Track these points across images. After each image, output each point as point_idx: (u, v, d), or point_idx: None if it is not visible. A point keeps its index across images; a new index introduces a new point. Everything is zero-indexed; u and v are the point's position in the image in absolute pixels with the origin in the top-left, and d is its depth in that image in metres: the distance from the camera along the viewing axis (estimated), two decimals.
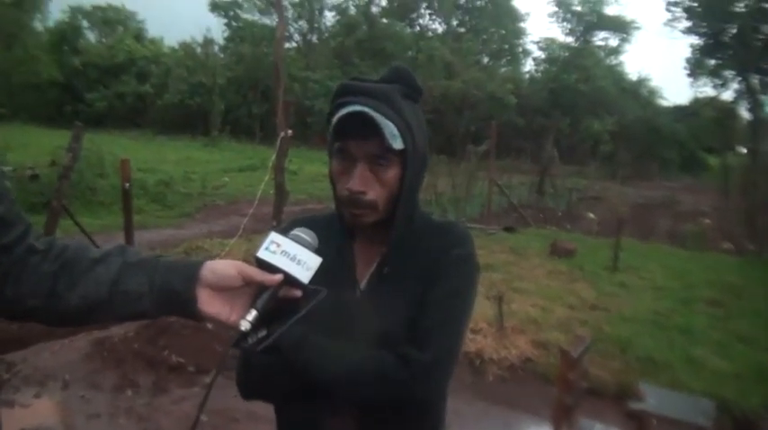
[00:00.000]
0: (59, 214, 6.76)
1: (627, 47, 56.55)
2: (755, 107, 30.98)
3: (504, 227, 12.33)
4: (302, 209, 13.04)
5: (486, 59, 47.57)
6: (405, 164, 1.26)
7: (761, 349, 5.79)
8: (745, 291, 8.15)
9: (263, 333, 1.04)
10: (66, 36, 42.30)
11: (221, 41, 44.43)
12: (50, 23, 42.82)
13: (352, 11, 45.44)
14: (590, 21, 46.09)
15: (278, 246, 1.06)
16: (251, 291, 1.06)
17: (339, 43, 43.21)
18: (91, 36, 46.88)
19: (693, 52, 36.29)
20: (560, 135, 30.41)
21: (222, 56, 42.43)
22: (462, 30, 47.16)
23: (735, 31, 30.75)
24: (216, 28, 58.79)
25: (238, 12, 45.36)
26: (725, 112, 39.00)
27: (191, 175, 17.51)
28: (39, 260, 1.03)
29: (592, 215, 15.96)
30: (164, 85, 39.10)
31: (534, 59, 49.60)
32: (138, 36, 46.06)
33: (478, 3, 47.18)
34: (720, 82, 35.96)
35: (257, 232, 8.93)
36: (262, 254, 1.05)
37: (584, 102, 40.35)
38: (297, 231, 1.10)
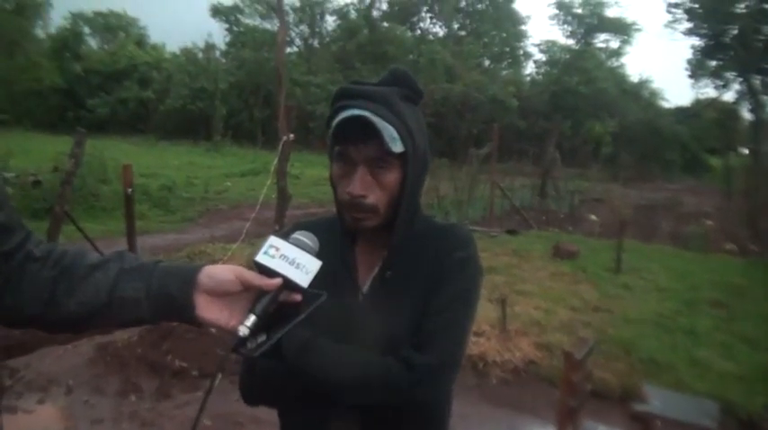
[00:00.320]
0: (62, 220, 6.76)
1: (628, 49, 56.37)
2: (757, 108, 30.90)
3: (507, 229, 12.32)
4: (304, 213, 13.04)
5: (487, 62, 47.54)
6: (405, 167, 1.25)
7: (765, 350, 5.78)
8: (749, 292, 8.13)
9: (262, 338, 1.03)
10: (67, 42, 42.33)
11: (223, 46, 44.54)
12: (52, 30, 43.00)
13: (353, 15, 45.49)
14: (591, 23, 46.06)
15: (277, 250, 1.05)
16: (250, 295, 1.05)
17: (340, 47, 43.23)
18: (92, 42, 47.03)
19: (694, 53, 36.26)
20: (562, 137, 30.42)
21: (224, 61, 42.44)
22: (463, 33, 47.15)
23: (736, 32, 30.69)
24: (217, 33, 58.88)
25: (239, 17, 45.42)
26: (726, 113, 38.95)
27: (193, 180, 17.55)
28: (38, 267, 1.02)
29: (594, 217, 15.95)
30: (165, 90, 39.14)
31: (535, 62, 49.64)
32: (140, 42, 46.12)
33: (479, 6, 47.18)
34: (722, 83, 35.87)
35: (260, 236, 8.92)
36: (260, 258, 1.04)
37: (585, 104, 40.32)
38: (297, 235, 1.10)
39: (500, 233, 11.77)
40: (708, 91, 39.08)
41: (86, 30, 46.65)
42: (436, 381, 1.22)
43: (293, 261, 1.04)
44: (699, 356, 5.54)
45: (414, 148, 1.25)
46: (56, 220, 6.70)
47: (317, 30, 47.63)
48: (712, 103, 39.75)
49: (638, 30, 48.77)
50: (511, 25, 47.74)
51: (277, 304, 1.04)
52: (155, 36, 63.95)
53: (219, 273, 1.04)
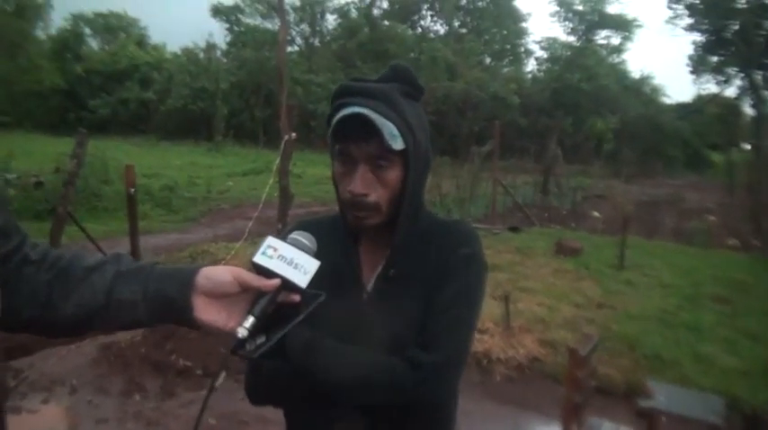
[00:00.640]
0: (65, 221, 6.77)
1: (629, 45, 56.38)
2: (759, 103, 30.87)
3: (509, 226, 12.32)
4: (307, 211, 13.04)
5: (488, 60, 47.47)
6: (407, 164, 1.24)
7: None
8: (752, 287, 8.12)
9: (261, 339, 1.03)
10: (68, 43, 42.38)
11: (224, 46, 44.50)
12: (52, 31, 42.98)
13: (354, 13, 45.46)
14: (592, 20, 45.97)
15: (275, 250, 1.04)
16: (248, 297, 1.04)
17: (341, 46, 43.20)
18: (93, 43, 47.03)
19: (696, 49, 36.23)
20: (564, 134, 30.37)
21: (225, 60, 42.40)
22: (464, 31, 47.09)
23: (737, 27, 30.66)
24: (218, 33, 58.84)
25: (240, 16, 45.38)
26: (728, 109, 38.95)
27: (195, 180, 17.55)
28: (34, 270, 1.02)
29: (596, 213, 15.94)
30: (167, 90, 39.13)
31: (536, 59, 49.55)
32: (141, 42, 46.12)
33: (480, 3, 47.10)
34: (723, 78, 35.85)
35: (263, 235, 8.87)
36: (258, 259, 1.03)
37: (587, 101, 40.25)
38: (295, 235, 1.09)
39: (502, 230, 11.77)
40: (709, 87, 39.11)
41: (87, 30, 46.69)
42: (442, 380, 1.21)
43: (291, 261, 1.03)
44: (703, 352, 5.54)
45: (415, 145, 1.24)
46: (59, 221, 6.70)
47: (318, 28, 47.61)
48: (714, 99, 39.71)
49: (639, 26, 48.76)
50: (512, 22, 47.66)
51: (276, 305, 1.03)
52: (155, 36, 63.97)
53: (217, 274, 1.04)
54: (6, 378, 4.43)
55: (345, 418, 1.26)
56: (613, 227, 12.67)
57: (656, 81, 59.87)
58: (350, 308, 1.28)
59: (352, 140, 1.22)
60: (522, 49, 49.57)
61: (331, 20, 47.41)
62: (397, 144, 1.20)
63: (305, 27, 46.99)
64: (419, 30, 47.17)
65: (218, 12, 44.98)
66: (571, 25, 47.21)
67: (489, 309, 5.76)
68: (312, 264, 1.05)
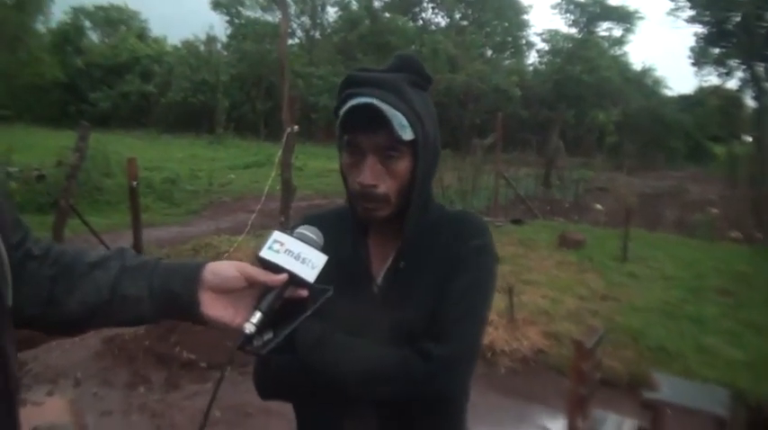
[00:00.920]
0: (68, 214, 6.78)
1: (631, 37, 56.21)
2: (761, 95, 30.73)
3: (512, 219, 12.31)
4: (309, 204, 13.03)
5: (489, 52, 47.38)
6: (416, 154, 1.23)
7: None
8: (755, 280, 8.11)
9: (268, 335, 1.01)
10: (68, 37, 42.21)
11: (224, 39, 44.39)
12: (53, 24, 42.83)
13: (355, 6, 45.28)
14: (593, 11, 45.92)
15: (281, 244, 1.03)
16: (255, 292, 1.03)
17: (342, 38, 43.11)
18: (93, 36, 46.86)
19: (697, 41, 36.07)
20: (565, 126, 30.32)
21: (225, 53, 42.33)
22: (465, 23, 46.99)
23: (738, 19, 30.51)
24: (218, 25, 58.79)
25: (240, 9, 45.24)
26: (730, 101, 38.91)
27: (197, 173, 17.54)
28: (36, 265, 1.00)
29: (599, 206, 15.92)
30: (167, 83, 39.04)
31: (538, 51, 49.49)
32: (141, 35, 45.96)
33: None
34: (725, 70, 35.72)
35: (265, 228, 8.93)
36: (264, 253, 1.02)
37: (588, 93, 40.18)
38: (301, 229, 1.08)
39: (505, 223, 11.76)
40: (711, 78, 38.98)
41: (87, 23, 46.54)
42: (454, 373, 1.20)
43: (298, 256, 1.02)
44: (706, 344, 5.55)
45: (424, 136, 1.23)
46: (61, 214, 6.71)
47: (319, 21, 47.50)
48: (715, 91, 39.64)
49: (641, 18, 48.74)
50: (513, 15, 47.55)
51: (283, 300, 1.02)
52: (156, 29, 63.95)
53: (223, 269, 1.02)
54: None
55: (356, 412, 1.25)
56: (616, 219, 12.65)
57: (658, 73, 59.74)
58: (360, 301, 1.27)
59: (361, 131, 1.20)
60: (524, 42, 49.53)
61: (332, 12, 47.34)
62: (407, 134, 1.18)
63: (305, 19, 46.88)
64: (420, 22, 47.09)
65: (218, 4, 44.85)
66: (572, 17, 47.21)
67: (493, 302, 5.75)
68: (320, 259, 1.04)
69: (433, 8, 47.79)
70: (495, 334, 5.33)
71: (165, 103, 38.75)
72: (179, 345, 4.97)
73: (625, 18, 46.25)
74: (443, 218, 1.35)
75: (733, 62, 34.19)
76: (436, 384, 1.17)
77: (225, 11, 45.07)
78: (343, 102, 1.22)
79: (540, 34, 48.99)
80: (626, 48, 57.38)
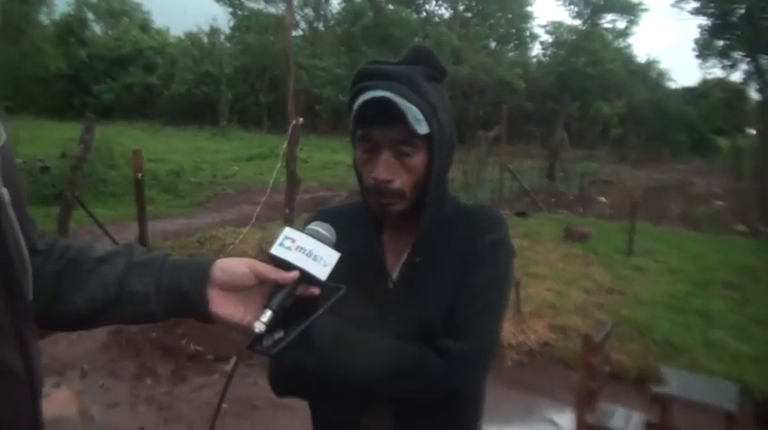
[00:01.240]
0: (73, 205, 6.77)
1: (635, 29, 55.98)
2: (765, 88, 30.52)
3: (517, 212, 12.29)
4: (313, 197, 13.04)
5: (493, 44, 47.20)
6: (431, 148, 1.21)
7: None
8: (762, 273, 8.09)
9: (279, 334, 0.98)
10: (72, 28, 42.12)
11: (227, 30, 44.26)
12: (56, 16, 42.74)
13: None
14: (597, 3, 45.68)
15: (293, 241, 1.00)
16: (265, 290, 1.00)
17: (345, 30, 42.97)
18: (97, 28, 46.80)
19: (702, 33, 35.86)
20: (570, 119, 30.24)
21: (228, 45, 42.25)
22: (469, 14, 46.78)
23: (743, 11, 30.34)
24: (222, 17, 58.56)
25: (243, 0, 45.14)
26: (734, 94, 38.72)
27: (201, 165, 17.56)
28: (41, 261, 0.97)
29: (603, 199, 15.90)
30: (170, 75, 38.99)
31: (542, 43, 49.26)
32: (144, 27, 45.89)
33: None
34: (729, 63, 35.51)
35: (270, 220, 8.94)
36: (276, 250, 1.00)
37: (593, 85, 40.04)
38: (313, 225, 1.05)
39: (510, 216, 11.73)
40: (715, 71, 38.73)
41: (90, 15, 46.44)
42: (472, 370, 1.19)
43: (310, 253, 0.99)
44: (713, 338, 5.54)
45: (439, 129, 1.21)
46: (66, 206, 6.71)
47: (322, 13, 47.33)
48: (720, 84, 39.46)
49: (645, 9, 48.30)
50: (517, 6, 47.35)
51: (294, 298, 0.99)
52: (159, 21, 63.59)
53: (233, 266, 1.00)
54: None
55: (372, 408, 1.23)
56: (621, 212, 12.65)
57: (662, 65, 59.59)
58: (375, 296, 1.25)
59: (375, 125, 1.18)
60: (528, 34, 49.34)
61: (335, 4, 47.10)
62: (422, 128, 1.16)
63: (309, 11, 46.74)
64: (424, 14, 46.92)
65: None
66: (576, 9, 46.98)
67: None
68: (332, 256, 1.01)
69: (436, 0, 47.65)
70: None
71: (169, 94, 38.71)
72: (186, 338, 4.98)
73: (629, 10, 46.03)
74: (459, 211, 1.33)
75: (737, 54, 34.01)
76: (454, 381, 1.16)
77: (228, 2, 44.88)
78: (357, 95, 1.20)
79: (544, 26, 48.95)
80: (630, 40, 56.87)
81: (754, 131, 33.53)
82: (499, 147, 13.54)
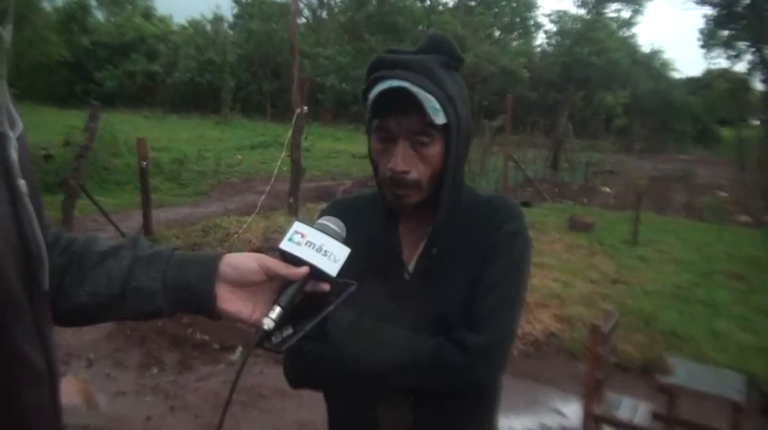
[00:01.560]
0: (77, 193, 6.77)
1: (639, 18, 55.76)
2: None
3: (521, 201, 12.25)
4: (317, 185, 13.03)
5: (497, 33, 47.02)
6: (448, 138, 1.19)
7: None
8: (766, 264, 8.07)
9: (288, 331, 0.96)
10: (74, 15, 41.99)
11: (230, 18, 44.15)
12: (58, 3, 42.64)
13: None
14: None
15: (302, 236, 0.98)
16: (274, 286, 0.98)
17: (349, 18, 42.79)
18: (99, 15, 46.70)
19: (707, 23, 35.78)
20: (574, 108, 30.15)
21: (232, 33, 42.15)
22: (473, 3, 46.53)
23: (748, 1, 30.20)
24: (225, 4, 58.42)
25: None
26: (738, 84, 38.54)
27: (204, 154, 17.54)
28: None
29: (607, 189, 15.87)
30: (173, 63, 38.93)
31: (546, 32, 49.11)
32: (147, 14, 45.77)
33: None
34: (734, 53, 35.43)
35: (274, 209, 8.93)
36: (285, 245, 0.97)
37: (597, 75, 39.89)
38: (323, 220, 1.03)
39: None
40: (720, 61, 38.70)
41: (93, 2, 46.27)
42: (492, 361, 1.18)
43: (320, 248, 0.97)
44: (719, 328, 5.54)
45: (457, 119, 1.19)
46: (71, 194, 6.71)
47: (326, 0, 47.15)
48: (724, 74, 39.29)
49: None
50: None
51: (303, 295, 0.98)
52: (162, 8, 63.44)
53: (242, 262, 0.98)
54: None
55: (389, 400, 1.22)
56: (625, 202, 12.63)
57: (667, 55, 59.36)
58: (391, 288, 1.24)
59: (392, 115, 1.16)
60: (532, 23, 49.12)
61: None
62: (440, 118, 1.15)
63: None
64: (428, 2, 46.62)
65: None
66: None
67: None
68: (342, 252, 0.99)
69: None
70: None
71: (171, 82, 38.68)
72: (192, 327, 4.98)
73: None
74: (475, 202, 1.32)
75: (742, 45, 33.90)
76: (472, 374, 1.15)
77: None
78: (373, 85, 1.17)
79: (549, 15, 48.84)
80: (634, 29, 56.82)
81: (758, 122, 33.48)
82: (503, 136, 13.51)
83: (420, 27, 39.73)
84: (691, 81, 44.49)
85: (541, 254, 7.71)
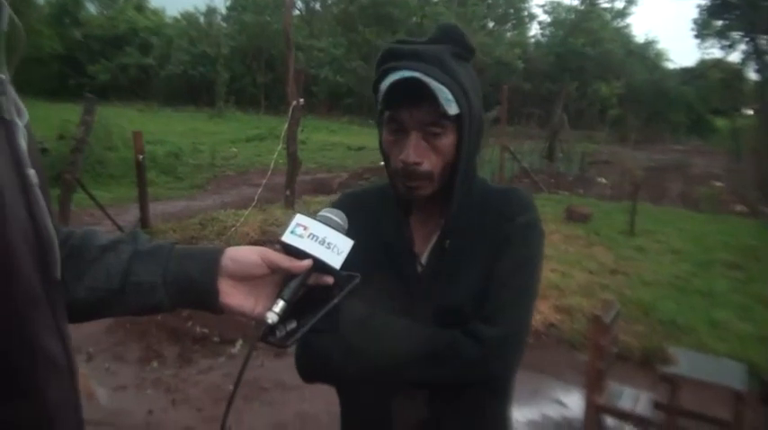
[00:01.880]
0: (73, 188, 6.74)
1: (633, 9, 55.76)
2: (763, 68, 30.41)
3: None
4: (312, 178, 13.02)
5: (491, 24, 46.99)
6: (460, 129, 1.17)
7: None
8: (763, 254, 8.10)
9: (292, 325, 0.94)
10: (67, 8, 41.79)
11: (224, 10, 43.97)
12: None
13: None
14: None
15: (305, 228, 0.96)
16: (276, 279, 0.96)
17: (342, 10, 42.68)
18: (92, 8, 46.38)
19: (700, 13, 35.75)
20: (568, 99, 30.15)
21: (225, 25, 42.00)
22: None
23: None
24: None
25: None
26: (732, 74, 38.58)
27: (199, 147, 17.49)
28: None
29: (603, 180, 15.89)
30: (166, 56, 38.81)
31: (540, 23, 49.32)
32: (140, 6, 45.48)
33: None
34: (728, 43, 35.38)
35: (270, 202, 8.91)
36: (287, 238, 0.95)
37: (591, 65, 39.95)
38: (325, 212, 1.01)
39: None
40: (713, 51, 38.66)
41: None
42: (507, 354, 1.16)
43: (323, 240, 0.96)
44: (717, 318, 5.55)
45: (469, 110, 1.17)
46: (67, 188, 6.67)
47: None
48: (718, 64, 39.31)
49: None
50: None
51: (306, 288, 0.96)
52: (155, 0, 63.15)
53: (244, 255, 0.96)
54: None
55: (404, 393, 1.21)
56: (621, 192, 12.65)
57: (661, 45, 59.45)
58: (404, 281, 1.23)
59: (404, 106, 1.14)
60: (526, 13, 49.15)
61: None
62: (452, 109, 1.13)
63: None
64: None
65: None
66: None
67: None
68: (346, 244, 0.97)
69: None
70: None
71: (165, 75, 38.57)
72: (191, 320, 4.97)
73: None
74: (488, 194, 1.30)
75: (736, 35, 33.89)
76: (487, 367, 1.14)
77: None
78: (384, 76, 1.16)
79: (542, 6, 48.75)
80: (628, 20, 56.81)
81: (751, 112, 33.50)
82: (499, 127, 13.49)
83: (414, 18, 39.62)
84: (685, 71, 44.55)
85: None
